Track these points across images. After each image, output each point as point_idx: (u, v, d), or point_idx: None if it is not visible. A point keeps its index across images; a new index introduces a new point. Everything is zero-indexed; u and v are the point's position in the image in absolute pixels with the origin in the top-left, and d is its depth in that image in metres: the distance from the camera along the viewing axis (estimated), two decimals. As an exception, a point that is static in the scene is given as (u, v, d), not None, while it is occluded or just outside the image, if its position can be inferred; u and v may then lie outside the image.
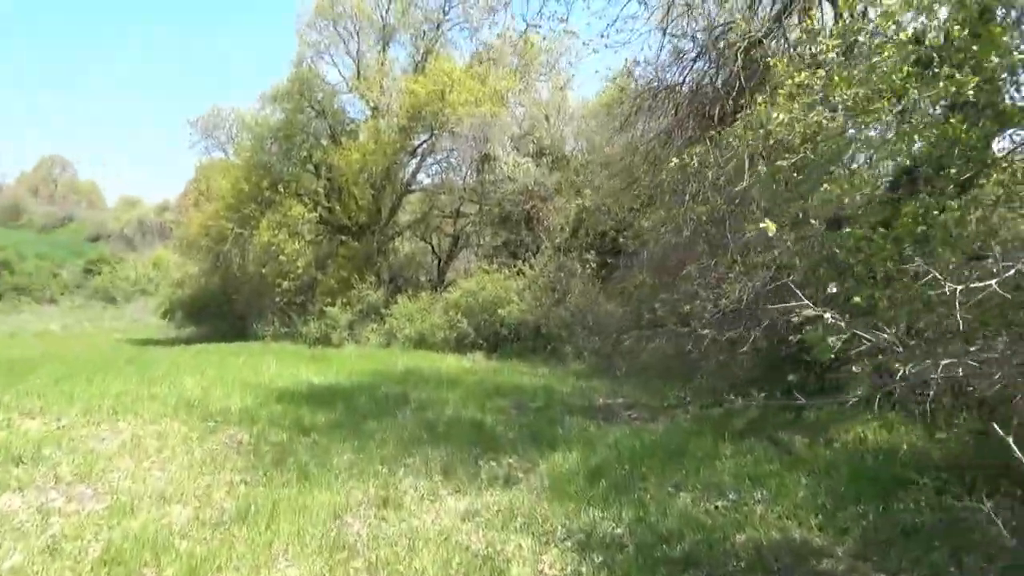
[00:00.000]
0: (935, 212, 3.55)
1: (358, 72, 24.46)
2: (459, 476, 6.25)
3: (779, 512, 5.11)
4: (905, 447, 6.26)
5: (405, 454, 6.91)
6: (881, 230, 3.84)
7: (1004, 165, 3.58)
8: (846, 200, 4.68)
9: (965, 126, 3.80)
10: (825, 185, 4.34)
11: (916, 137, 4.25)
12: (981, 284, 2.62)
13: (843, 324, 3.08)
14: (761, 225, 3.35)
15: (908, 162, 4.19)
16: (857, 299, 3.64)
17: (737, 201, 7.60)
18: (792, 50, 7.63)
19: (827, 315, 3.09)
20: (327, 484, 5.88)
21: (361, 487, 5.84)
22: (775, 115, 4.49)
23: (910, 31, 3.92)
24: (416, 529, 4.98)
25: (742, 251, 7.40)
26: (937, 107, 4.63)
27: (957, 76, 3.56)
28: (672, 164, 7.01)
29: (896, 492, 5.25)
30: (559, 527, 5.06)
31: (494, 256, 20.91)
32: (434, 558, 4.50)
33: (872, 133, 4.42)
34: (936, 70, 3.73)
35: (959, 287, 2.56)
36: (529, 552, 4.65)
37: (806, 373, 7.19)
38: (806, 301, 3.05)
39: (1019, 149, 3.51)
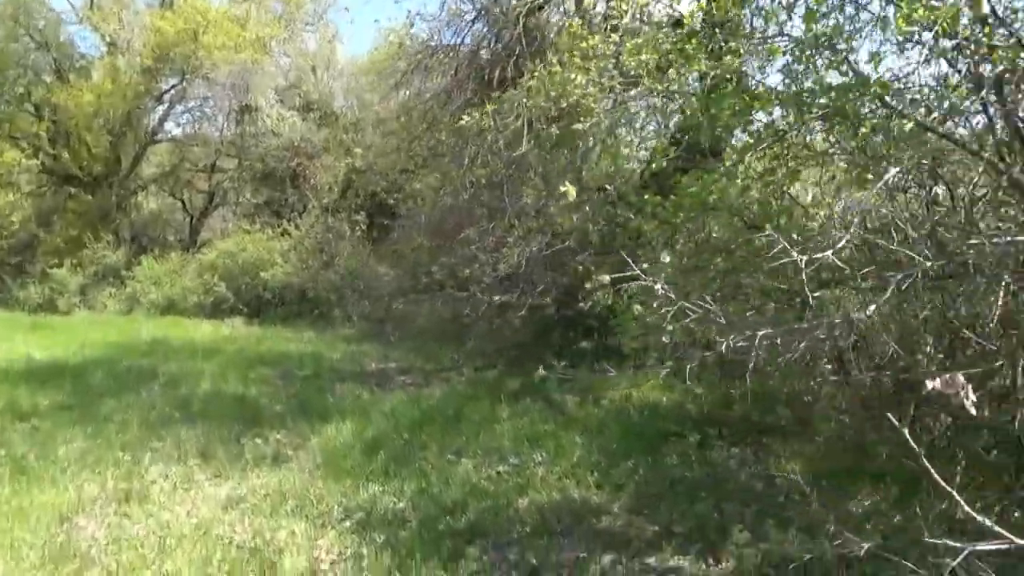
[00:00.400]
0: (725, 181, 3.69)
1: (91, 0, 21.06)
2: (219, 458, 5.57)
3: (558, 472, 5.16)
4: (665, 402, 6.69)
5: (153, 437, 6.03)
6: (673, 197, 3.95)
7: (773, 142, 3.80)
8: (623, 167, 4.81)
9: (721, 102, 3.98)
10: (625, 149, 4.40)
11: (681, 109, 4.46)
12: (820, 255, 2.69)
13: (672, 295, 3.05)
14: (562, 188, 3.22)
15: (687, 134, 4.35)
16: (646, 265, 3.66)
17: (514, 166, 7.58)
18: (568, 17, 7.76)
19: (658, 286, 3.04)
20: (51, 480, 4.93)
21: (96, 480, 4.96)
22: (573, 76, 4.40)
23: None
24: (167, 524, 4.31)
25: (519, 215, 7.42)
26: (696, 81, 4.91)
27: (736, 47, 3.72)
28: (462, 122, 6.75)
29: (662, 446, 5.56)
30: (336, 507, 4.68)
31: (255, 215, 19.36)
32: (190, 557, 3.90)
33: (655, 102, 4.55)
34: (722, 45, 3.88)
35: (803, 257, 2.61)
36: (303, 538, 4.22)
37: (597, 338, 7.46)
38: (636, 269, 2.99)
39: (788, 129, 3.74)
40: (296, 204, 18.78)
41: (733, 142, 4.64)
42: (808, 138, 4.22)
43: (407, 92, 11.06)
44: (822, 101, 3.40)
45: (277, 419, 6.82)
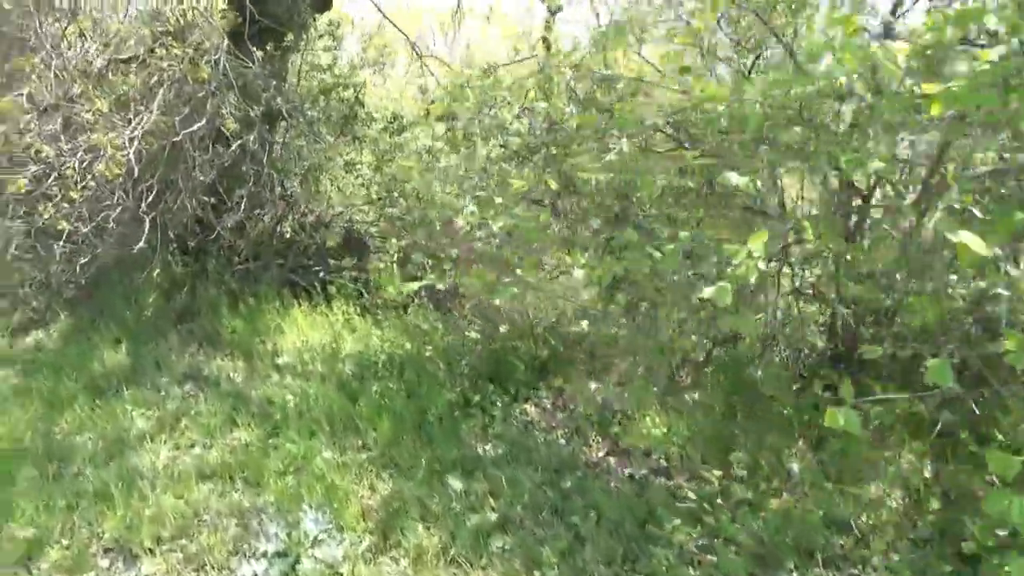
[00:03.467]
0: None
1: None
2: None
3: (349, 532, 2.83)
4: (389, 350, 4.53)
5: None
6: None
7: None
8: None
9: None
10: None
11: None
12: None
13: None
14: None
15: None
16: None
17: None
18: None
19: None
20: None
21: None
22: None
23: None
24: None
25: (93, 75, 3.81)
26: None
27: None
28: None
29: (459, 429, 3.60)
30: None
31: None
32: None
33: None
34: None
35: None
36: None
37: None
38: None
39: None
40: None
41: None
42: None
43: None
44: None
45: None
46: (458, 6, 8.44)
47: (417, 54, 6.38)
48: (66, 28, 4.43)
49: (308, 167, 5.06)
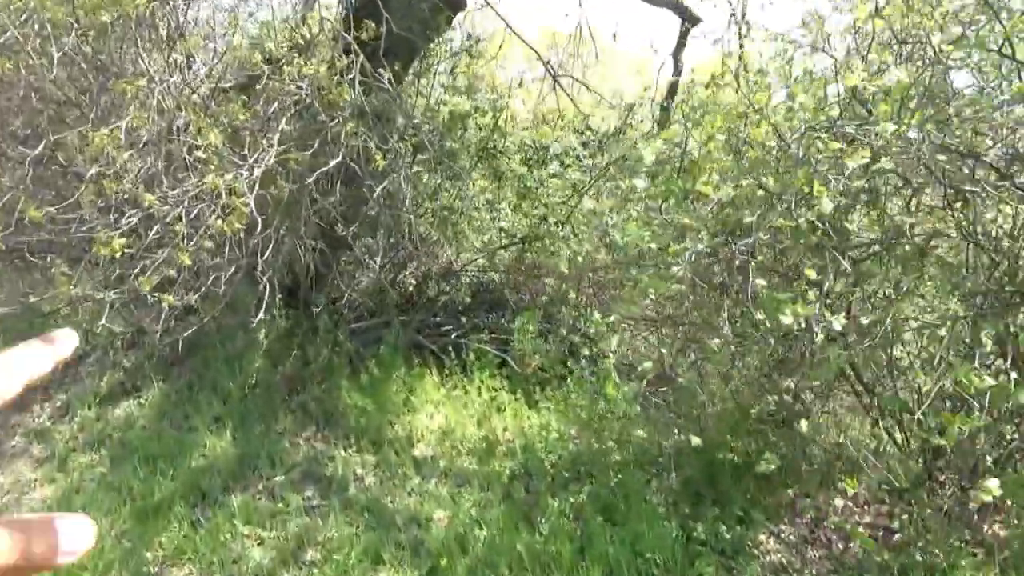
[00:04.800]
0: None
1: None
2: None
3: None
4: (572, 450, 3.53)
5: None
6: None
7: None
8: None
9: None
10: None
11: None
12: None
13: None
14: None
15: None
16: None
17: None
18: None
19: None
20: None
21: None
22: None
23: None
24: None
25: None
26: None
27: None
28: None
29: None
30: None
31: None
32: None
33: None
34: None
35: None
36: None
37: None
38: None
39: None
40: None
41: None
42: None
43: None
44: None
45: None
46: (578, 28, 7.51)
47: (551, 74, 5.43)
48: (169, 53, 3.62)
49: (443, 206, 4.13)
